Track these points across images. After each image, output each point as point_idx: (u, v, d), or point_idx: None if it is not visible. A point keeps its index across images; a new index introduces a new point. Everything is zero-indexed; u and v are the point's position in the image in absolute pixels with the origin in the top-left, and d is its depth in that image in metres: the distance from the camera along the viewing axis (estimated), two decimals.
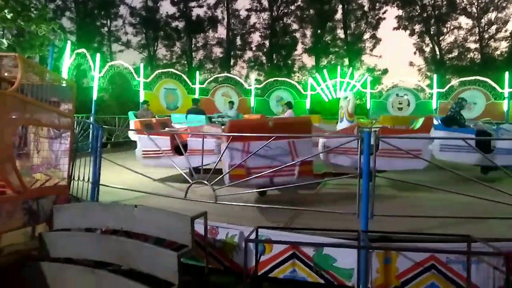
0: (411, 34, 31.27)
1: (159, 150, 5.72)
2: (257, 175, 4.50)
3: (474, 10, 29.72)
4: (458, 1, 29.90)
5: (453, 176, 4.32)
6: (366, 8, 31.62)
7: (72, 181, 4.96)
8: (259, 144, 4.46)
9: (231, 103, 13.02)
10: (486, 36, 29.67)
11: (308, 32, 32.37)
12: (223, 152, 4.65)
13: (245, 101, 16.25)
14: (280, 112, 13.79)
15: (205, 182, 4.52)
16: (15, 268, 3.78)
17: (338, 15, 31.97)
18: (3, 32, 11.62)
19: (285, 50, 32.49)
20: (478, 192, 3.95)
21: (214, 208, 4.29)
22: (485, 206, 3.98)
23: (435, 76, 16.57)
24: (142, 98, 13.67)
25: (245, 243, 3.40)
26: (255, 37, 33.25)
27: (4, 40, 9.99)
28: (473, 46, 30.26)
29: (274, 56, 32.66)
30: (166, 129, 7.42)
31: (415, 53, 31.46)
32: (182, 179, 4.76)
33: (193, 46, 33.37)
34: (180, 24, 32.96)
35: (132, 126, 9.84)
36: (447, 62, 30.66)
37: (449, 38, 30.75)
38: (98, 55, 12.27)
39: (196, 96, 15.40)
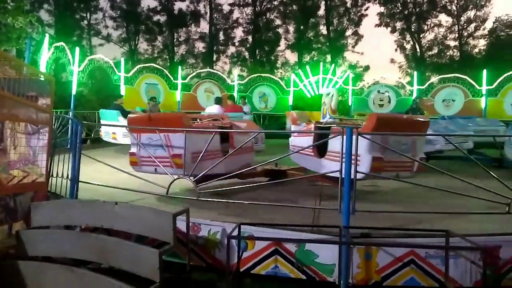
0: (393, 31, 31.63)
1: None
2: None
3: (454, 8, 30.22)
4: None
5: (433, 172, 4.39)
6: (348, 5, 31.79)
7: (50, 178, 4.86)
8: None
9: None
10: (465, 34, 30.22)
11: (291, 28, 32.43)
12: None
13: (227, 97, 16.18)
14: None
15: (188, 178, 4.49)
16: None
17: (321, 11, 32.09)
18: None
19: (268, 46, 32.45)
20: (457, 188, 4.04)
21: (197, 205, 4.27)
22: (464, 202, 4.06)
23: (415, 73, 16.83)
24: (123, 93, 13.46)
25: (228, 239, 3.39)
26: (238, 32, 33.11)
27: None
28: (452, 43, 30.84)
29: (257, 52, 32.59)
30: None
31: (396, 50, 31.88)
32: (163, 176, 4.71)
33: (175, 40, 32.99)
34: (162, 18, 32.53)
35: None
36: (427, 59, 31.15)
37: (429, 36, 31.25)
38: (77, 49, 12.02)
39: (178, 91, 15.26)
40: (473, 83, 14.88)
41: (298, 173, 5.77)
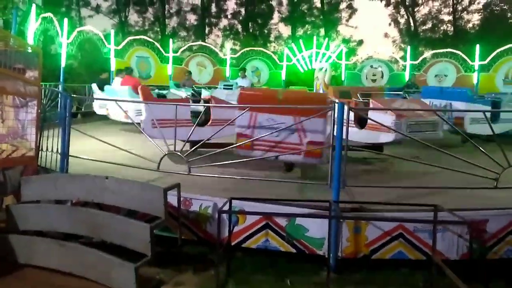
0: (387, 5, 31.20)
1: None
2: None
3: None
4: None
5: (423, 147, 4.42)
6: None
7: (40, 152, 4.82)
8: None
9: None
10: (460, 8, 29.94)
11: (285, 1, 31.83)
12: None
13: (220, 71, 16.02)
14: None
15: (179, 153, 4.48)
16: None
17: None
18: None
19: (261, 18, 31.88)
20: (446, 163, 4.09)
21: (188, 180, 4.27)
22: (452, 177, 4.11)
23: (408, 48, 16.72)
24: (113, 66, 13.24)
25: (218, 214, 3.41)
26: (231, 4, 32.38)
27: None
28: (446, 18, 30.56)
29: (250, 25, 32.03)
30: None
31: (390, 24, 31.54)
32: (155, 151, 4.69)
33: (166, 12, 32.27)
34: None
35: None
36: (421, 34, 30.90)
37: (423, 10, 30.89)
38: (66, 20, 11.72)
39: (170, 65, 15.03)
40: (466, 58, 14.84)
41: None
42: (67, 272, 3.43)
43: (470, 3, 29.50)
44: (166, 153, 4.57)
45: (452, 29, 30.07)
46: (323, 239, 3.64)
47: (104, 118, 9.59)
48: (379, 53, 17.27)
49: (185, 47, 17.39)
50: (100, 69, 11.00)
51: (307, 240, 3.71)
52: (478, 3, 29.22)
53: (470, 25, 29.91)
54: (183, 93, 10.36)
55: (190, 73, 12.73)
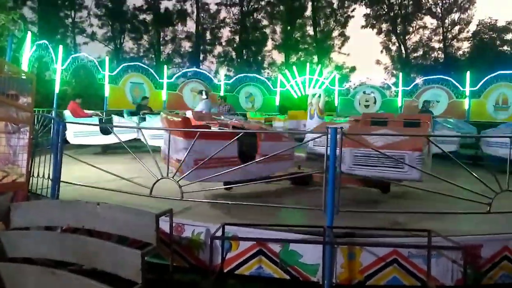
0: (379, 33, 31.99)
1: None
2: None
3: (439, 10, 30.71)
4: (423, 1, 30.81)
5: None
6: (335, 6, 32.05)
7: (31, 178, 4.77)
8: None
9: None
10: (450, 36, 30.73)
11: (278, 28, 32.52)
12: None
13: (214, 97, 16.12)
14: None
15: (171, 178, 4.45)
16: None
17: (308, 12, 32.26)
18: None
19: (255, 46, 32.46)
20: (439, 188, 4.09)
21: (180, 206, 4.23)
22: (446, 202, 4.11)
23: (400, 74, 17.01)
24: (107, 92, 13.30)
25: (211, 240, 3.37)
26: (225, 32, 33.05)
27: None
28: (437, 45, 31.34)
29: (244, 52, 32.57)
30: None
31: (382, 51, 32.24)
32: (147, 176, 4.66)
33: (161, 39, 32.74)
34: (148, 17, 32.24)
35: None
36: (412, 60, 31.57)
37: (414, 37, 31.74)
38: (60, 47, 11.82)
39: (164, 91, 15.10)
40: (457, 84, 15.09)
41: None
42: None
43: (460, 32, 30.38)
44: (158, 178, 4.54)
45: (442, 56, 30.77)
46: (317, 266, 3.60)
47: (97, 145, 9.53)
48: (372, 79, 17.65)
49: (179, 73, 17.55)
50: (94, 95, 11.01)
51: (301, 266, 3.66)
52: (468, 31, 30.11)
53: (460, 52, 30.68)
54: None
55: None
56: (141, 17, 32.09)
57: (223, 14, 32.53)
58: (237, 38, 32.69)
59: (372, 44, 47.55)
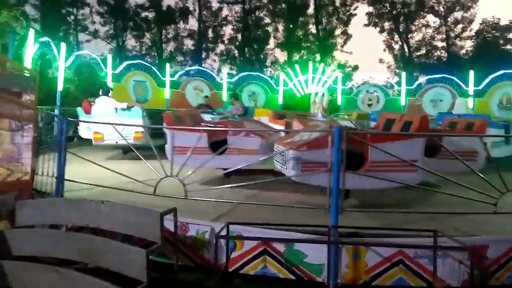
0: (381, 31, 31.95)
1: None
2: None
3: (441, 9, 30.66)
4: (426, 0, 30.69)
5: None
6: (337, 4, 31.99)
7: (35, 176, 4.77)
8: None
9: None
10: (452, 35, 30.65)
11: (281, 27, 32.46)
12: None
13: (217, 95, 16.12)
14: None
15: (175, 177, 4.44)
16: None
17: (310, 10, 32.24)
18: None
19: (257, 44, 32.43)
20: (444, 188, 4.07)
21: (185, 204, 4.22)
22: (452, 202, 4.09)
23: (403, 73, 16.96)
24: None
25: (216, 239, 3.36)
26: (227, 30, 33.05)
27: None
28: (440, 44, 31.28)
29: (246, 50, 32.54)
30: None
31: (384, 50, 32.18)
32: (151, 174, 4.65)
33: (163, 37, 32.76)
34: (150, 15, 32.29)
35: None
36: (415, 59, 31.49)
37: (417, 36, 31.68)
38: (63, 44, 11.83)
39: (167, 89, 15.07)
40: (461, 83, 15.05)
41: None
42: None
43: (463, 30, 30.29)
44: (162, 176, 4.53)
45: (445, 55, 30.70)
46: (322, 265, 3.58)
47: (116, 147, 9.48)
48: (374, 78, 17.51)
49: (182, 72, 17.52)
50: (97, 93, 10.94)
51: (306, 266, 3.64)
52: (471, 30, 30.03)
53: (463, 51, 30.60)
54: None
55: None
56: (143, 14, 32.18)
57: (225, 12, 32.59)
58: (239, 36, 32.68)
59: (374, 42, 47.43)
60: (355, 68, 31.68)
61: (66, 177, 4.71)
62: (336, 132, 3.76)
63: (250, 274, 3.74)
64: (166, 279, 3.80)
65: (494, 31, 28.90)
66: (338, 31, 32.36)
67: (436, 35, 31.19)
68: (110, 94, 9.13)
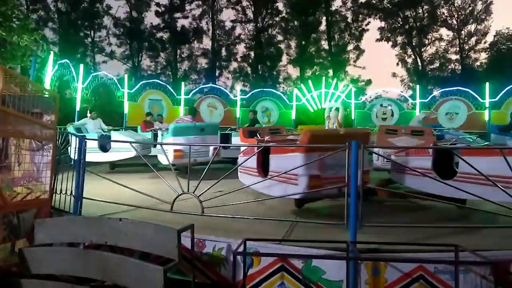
0: (394, 46, 31.89)
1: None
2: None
3: (455, 22, 30.51)
4: (439, 13, 30.70)
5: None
6: (349, 20, 32.14)
7: (54, 194, 4.84)
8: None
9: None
10: (466, 47, 30.43)
11: (293, 43, 32.70)
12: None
13: (231, 112, 16.25)
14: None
15: (192, 194, 4.46)
16: None
17: (322, 27, 32.42)
18: None
19: (270, 61, 32.64)
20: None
21: (201, 221, 4.23)
22: (473, 216, 4.01)
23: (417, 86, 16.88)
24: (126, 109, 13.53)
25: (234, 256, 3.34)
26: (240, 48, 33.41)
27: None
28: (454, 57, 31.07)
29: (259, 67, 32.79)
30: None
31: (397, 64, 32.07)
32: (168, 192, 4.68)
33: (178, 57, 33.28)
34: (165, 35, 32.86)
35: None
36: (429, 73, 31.29)
37: (430, 50, 31.50)
38: (81, 66, 12.14)
39: (182, 107, 15.27)
40: (476, 95, 14.88)
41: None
42: None
43: (477, 43, 30.04)
44: (179, 193, 4.55)
45: (460, 67, 30.45)
46: (341, 282, 3.52)
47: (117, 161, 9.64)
48: (388, 92, 17.41)
49: (196, 89, 17.74)
50: (114, 112, 11.19)
51: (324, 283, 3.59)
52: (485, 42, 29.76)
53: (478, 63, 30.31)
54: None
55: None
56: (158, 35, 32.75)
57: (238, 30, 32.99)
58: (252, 53, 32.99)
59: (387, 56, 47.44)
60: (368, 82, 31.64)
61: (84, 195, 4.77)
62: (354, 145, 3.75)
63: None
64: None
65: (509, 43, 28.61)
66: (350, 47, 32.46)
67: (449, 48, 31.01)
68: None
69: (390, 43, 31.84)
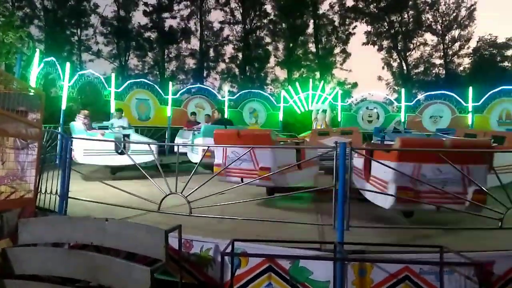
0: (380, 49, 32.20)
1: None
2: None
3: (439, 27, 30.96)
4: (423, 19, 31.11)
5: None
6: (336, 23, 32.36)
7: (39, 194, 4.77)
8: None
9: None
10: (450, 52, 30.91)
11: (281, 46, 32.75)
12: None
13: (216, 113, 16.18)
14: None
15: (180, 194, 4.44)
16: None
17: (310, 30, 32.56)
18: None
19: (258, 62, 32.65)
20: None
21: (189, 221, 4.21)
22: (458, 217, 4.07)
23: (402, 90, 17.07)
24: (113, 108, 13.38)
25: (222, 256, 3.34)
26: (228, 49, 33.32)
27: None
28: (438, 61, 31.51)
29: (247, 68, 32.78)
30: None
31: (383, 67, 32.39)
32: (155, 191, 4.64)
33: (165, 57, 33.05)
34: (153, 35, 32.56)
35: None
36: (414, 76, 31.70)
37: (415, 54, 31.89)
38: (67, 64, 11.97)
39: (169, 107, 15.18)
40: (460, 99, 15.14)
41: None
42: None
43: (460, 48, 30.56)
44: (167, 194, 4.53)
45: (444, 72, 30.92)
46: (328, 283, 3.54)
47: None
48: (374, 95, 17.58)
49: (184, 90, 17.63)
50: (100, 111, 11.04)
51: (311, 283, 3.61)
52: (468, 48, 30.30)
53: (461, 68, 30.84)
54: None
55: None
56: (146, 35, 32.46)
57: (226, 32, 32.88)
58: (240, 55, 32.95)
59: (373, 60, 47.91)
60: (355, 85, 31.87)
61: (70, 195, 4.71)
62: (341, 147, 3.78)
63: None
64: None
65: (491, 49, 29.17)
66: (337, 50, 32.65)
67: (434, 53, 31.45)
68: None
69: (376, 47, 32.16)
